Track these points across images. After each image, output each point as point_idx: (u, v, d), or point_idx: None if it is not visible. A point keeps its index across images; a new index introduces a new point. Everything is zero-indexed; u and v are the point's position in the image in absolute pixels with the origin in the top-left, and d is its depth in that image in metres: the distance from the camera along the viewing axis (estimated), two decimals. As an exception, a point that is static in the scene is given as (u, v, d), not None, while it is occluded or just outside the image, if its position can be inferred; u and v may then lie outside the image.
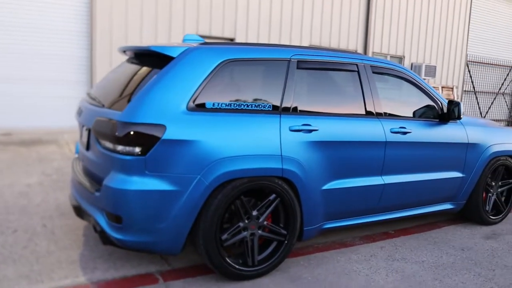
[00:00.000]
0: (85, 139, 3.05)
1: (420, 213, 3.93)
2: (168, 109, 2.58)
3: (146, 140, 2.51)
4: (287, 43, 10.58)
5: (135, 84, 2.79)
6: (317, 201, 3.12)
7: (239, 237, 2.83)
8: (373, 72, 3.51)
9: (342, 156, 3.20)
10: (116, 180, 2.55)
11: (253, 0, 9.94)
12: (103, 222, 2.67)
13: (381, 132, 3.41)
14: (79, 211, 3.01)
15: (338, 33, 11.40)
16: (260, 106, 2.90)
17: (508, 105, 15.75)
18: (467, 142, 4.01)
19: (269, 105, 2.94)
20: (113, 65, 8.49)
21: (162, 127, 2.53)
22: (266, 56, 3.00)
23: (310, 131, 3.03)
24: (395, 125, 3.53)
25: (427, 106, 3.86)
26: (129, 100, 2.63)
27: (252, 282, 2.89)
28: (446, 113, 3.87)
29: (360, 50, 11.81)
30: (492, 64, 14.83)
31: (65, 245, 3.28)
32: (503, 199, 4.52)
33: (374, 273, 3.16)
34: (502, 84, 15.26)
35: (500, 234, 4.20)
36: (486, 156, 4.16)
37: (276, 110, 2.96)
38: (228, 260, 2.78)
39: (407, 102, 3.79)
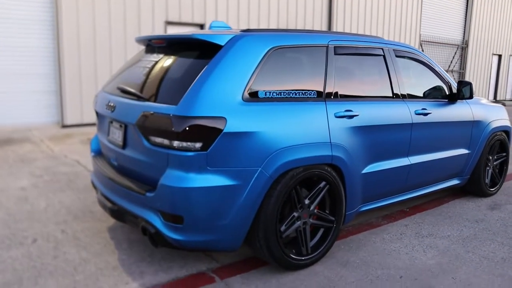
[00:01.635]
0: (119, 136, 2.84)
1: (434, 190, 4.10)
2: (225, 100, 2.45)
3: (207, 134, 2.38)
4: (256, 26, 10.47)
5: (180, 75, 2.61)
6: (358, 185, 3.15)
7: (294, 227, 2.79)
8: (396, 56, 3.57)
9: (378, 139, 3.24)
10: (175, 178, 2.40)
11: (221, -16, 9.70)
12: (158, 223, 2.51)
13: (408, 114, 3.49)
14: (118, 214, 2.82)
15: (303, 14, 11.44)
16: (307, 93, 2.85)
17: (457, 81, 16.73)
18: (472, 120, 4.21)
19: (314, 92, 2.89)
20: (82, 55, 7.96)
21: (223, 119, 2.41)
22: (307, 42, 2.93)
23: (352, 116, 3.03)
24: (418, 106, 3.62)
25: (438, 87, 3.99)
26: (180, 93, 2.47)
27: (307, 270, 2.87)
28: (456, 93, 4.03)
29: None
30: (442, 43, 15.64)
31: (97, 250, 3.07)
32: (497, 171, 4.82)
33: (412, 250, 3.26)
34: (451, 62, 16.17)
35: (501, 204, 4.48)
36: (487, 132, 4.40)
37: (320, 96, 2.91)
38: (287, 251, 2.74)
39: (422, 84, 3.89)
